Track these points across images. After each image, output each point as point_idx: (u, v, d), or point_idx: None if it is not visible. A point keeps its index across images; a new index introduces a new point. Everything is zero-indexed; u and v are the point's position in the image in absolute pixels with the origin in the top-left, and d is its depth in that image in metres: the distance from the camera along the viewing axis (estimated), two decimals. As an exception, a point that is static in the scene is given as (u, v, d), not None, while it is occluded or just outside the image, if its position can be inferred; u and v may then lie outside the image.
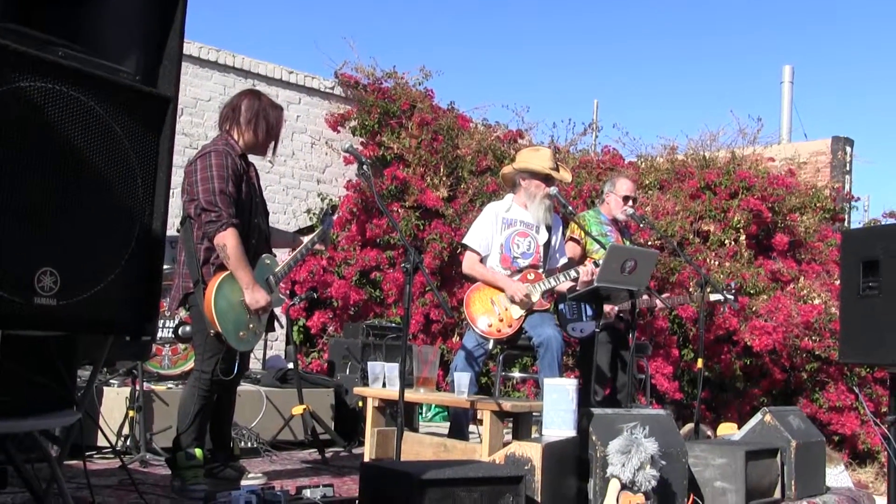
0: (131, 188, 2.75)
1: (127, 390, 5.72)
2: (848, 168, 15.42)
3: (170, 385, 6.18)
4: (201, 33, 25.23)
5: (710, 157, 12.87)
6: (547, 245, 6.05)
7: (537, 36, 54.43)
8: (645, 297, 6.85)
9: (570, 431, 4.13)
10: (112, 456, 5.31)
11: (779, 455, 4.95)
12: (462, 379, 5.27)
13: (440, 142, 11.29)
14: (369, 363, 5.82)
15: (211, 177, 4.44)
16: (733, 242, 11.39)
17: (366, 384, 5.78)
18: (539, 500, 3.65)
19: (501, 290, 5.86)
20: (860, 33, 52.45)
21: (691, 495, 4.37)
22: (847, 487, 6.17)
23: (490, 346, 5.85)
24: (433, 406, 9.52)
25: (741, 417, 9.82)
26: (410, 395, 5.24)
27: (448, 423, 6.53)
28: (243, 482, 4.65)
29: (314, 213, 11.10)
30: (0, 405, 2.74)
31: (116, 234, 2.71)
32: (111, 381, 5.99)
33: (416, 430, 6.31)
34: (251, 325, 4.59)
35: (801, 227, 12.23)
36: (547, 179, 6.02)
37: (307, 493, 3.73)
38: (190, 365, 5.95)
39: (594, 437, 4.09)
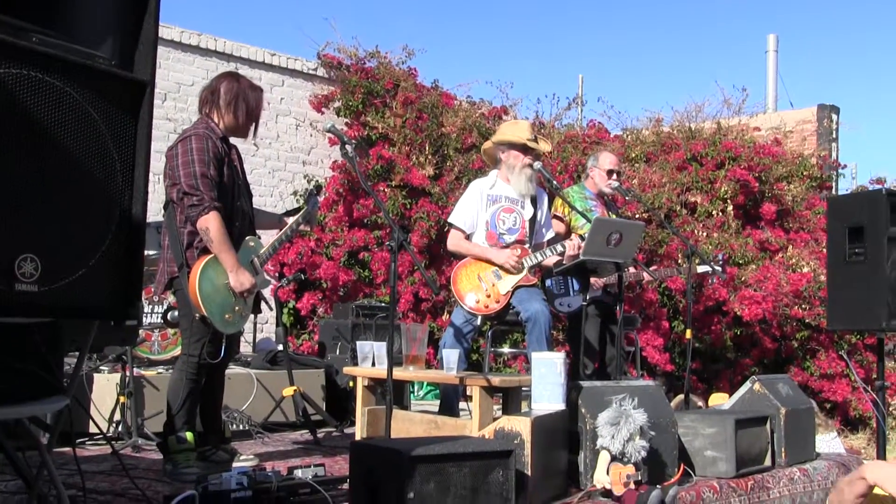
0: (110, 173, 2.73)
1: (117, 376, 5.74)
2: (834, 136, 15.42)
3: (160, 370, 6.19)
4: (182, 18, 25.10)
5: (696, 129, 12.87)
6: (532, 220, 6.04)
7: (520, 12, 54.32)
8: (632, 269, 6.86)
9: (559, 405, 4.14)
10: (105, 442, 5.32)
11: (768, 423, 4.97)
12: (451, 356, 5.27)
13: (425, 120, 11.28)
14: (358, 343, 5.81)
15: (192, 160, 4.43)
16: (721, 213, 11.42)
17: (356, 364, 5.78)
18: (529, 473, 3.66)
19: (489, 262, 5.86)
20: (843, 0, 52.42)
21: (682, 465, 4.39)
22: (837, 453, 6.21)
23: (478, 322, 5.85)
24: (425, 384, 9.54)
25: (733, 387, 9.86)
26: (399, 374, 5.24)
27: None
28: (235, 464, 4.66)
29: (300, 196, 11.07)
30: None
31: (96, 219, 2.70)
32: (101, 367, 5.99)
33: (406, 408, 6.32)
34: (237, 308, 4.59)
35: (789, 195, 12.26)
36: (525, 150, 6.00)
37: (298, 473, 3.74)
38: (179, 350, 5.95)
39: (583, 410, 4.10)
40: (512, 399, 5.25)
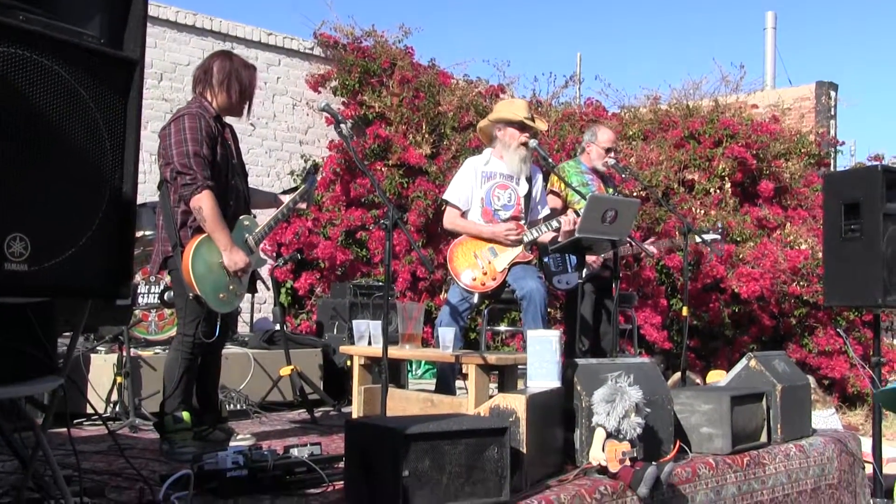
0: (100, 152, 2.72)
1: (114, 357, 5.74)
2: (832, 113, 15.40)
3: (157, 350, 6.18)
4: (179, -3, 24.91)
5: (694, 106, 12.84)
6: (528, 197, 6.03)
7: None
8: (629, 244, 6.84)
9: (554, 382, 4.14)
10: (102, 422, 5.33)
11: (764, 399, 4.97)
12: (447, 334, 5.27)
13: (422, 99, 11.26)
14: (354, 322, 5.82)
15: (184, 139, 4.42)
16: (718, 190, 11.40)
17: (353, 343, 5.78)
18: (525, 451, 3.67)
19: (486, 239, 5.85)
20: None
21: (678, 441, 4.39)
22: (833, 429, 6.22)
23: (475, 300, 5.84)
24: (423, 363, 9.55)
25: (731, 365, 9.83)
26: (395, 352, 5.25)
27: (437, 380, 6.55)
28: (231, 443, 4.67)
29: (298, 175, 11.06)
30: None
31: (86, 199, 2.68)
32: (98, 347, 5.99)
33: (403, 386, 6.33)
34: (231, 287, 4.58)
35: (787, 173, 12.23)
36: (522, 127, 5.99)
37: (294, 452, 3.74)
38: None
39: (579, 388, 4.10)
40: (508, 377, 5.25)
